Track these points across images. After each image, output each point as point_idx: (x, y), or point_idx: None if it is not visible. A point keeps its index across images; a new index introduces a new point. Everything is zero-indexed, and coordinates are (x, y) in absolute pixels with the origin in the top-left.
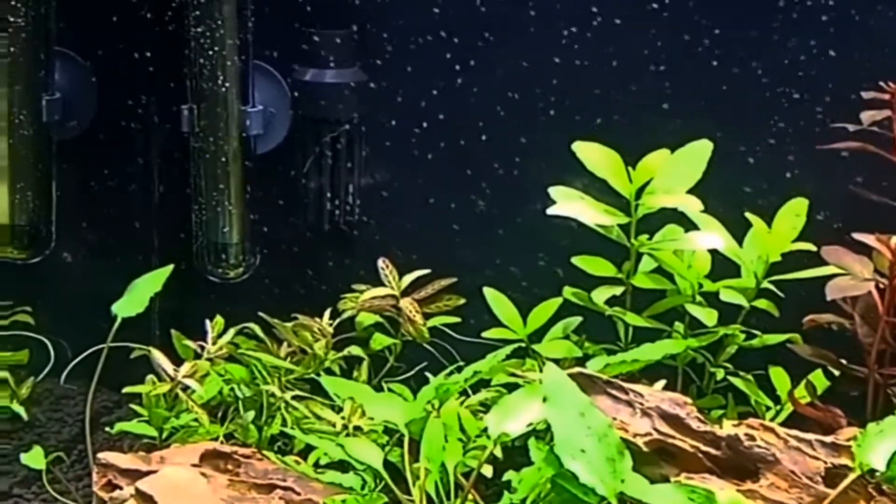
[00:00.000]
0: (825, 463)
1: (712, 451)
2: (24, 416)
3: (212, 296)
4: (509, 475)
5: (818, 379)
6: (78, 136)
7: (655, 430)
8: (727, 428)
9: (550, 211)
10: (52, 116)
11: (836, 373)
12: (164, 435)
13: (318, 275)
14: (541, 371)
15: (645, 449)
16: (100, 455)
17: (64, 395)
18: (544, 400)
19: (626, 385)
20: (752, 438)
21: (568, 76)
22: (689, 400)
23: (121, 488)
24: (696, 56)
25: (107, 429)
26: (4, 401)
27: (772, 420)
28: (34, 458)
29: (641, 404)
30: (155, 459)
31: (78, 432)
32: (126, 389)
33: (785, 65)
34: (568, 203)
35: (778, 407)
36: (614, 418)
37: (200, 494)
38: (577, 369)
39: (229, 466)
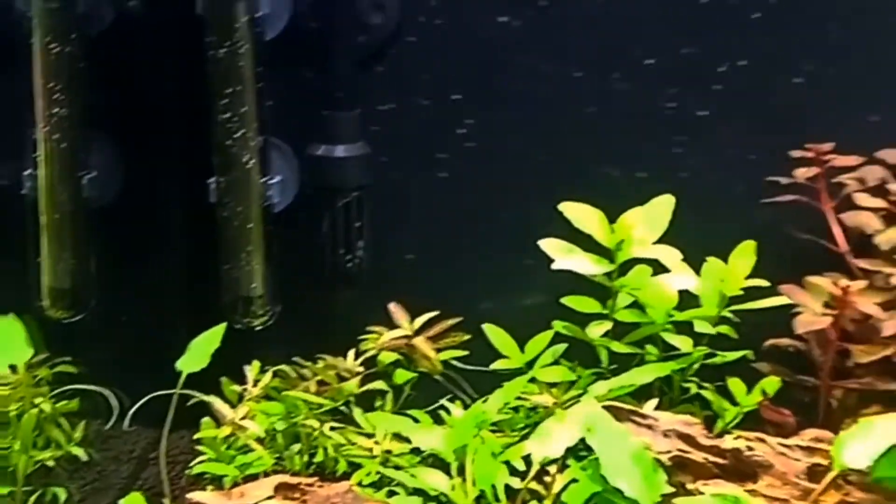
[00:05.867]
0: (805, 463)
1: (719, 460)
2: (84, 457)
3: (235, 343)
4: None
5: (769, 385)
6: (111, 208)
7: (674, 447)
8: (729, 441)
9: (555, 266)
10: (90, 192)
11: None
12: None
13: (332, 320)
14: (540, 394)
15: (668, 463)
16: (189, 495)
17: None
18: (587, 430)
19: (644, 412)
20: (750, 448)
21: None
22: (697, 420)
23: None
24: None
25: (186, 470)
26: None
27: (730, 421)
28: (133, 501)
29: (660, 427)
30: (236, 495)
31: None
32: (198, 435)
33: None
34: (565, 256)
35: (736, 409)
36: (642, 440)
37: None
38: (606, 402)
39: (297, 495)
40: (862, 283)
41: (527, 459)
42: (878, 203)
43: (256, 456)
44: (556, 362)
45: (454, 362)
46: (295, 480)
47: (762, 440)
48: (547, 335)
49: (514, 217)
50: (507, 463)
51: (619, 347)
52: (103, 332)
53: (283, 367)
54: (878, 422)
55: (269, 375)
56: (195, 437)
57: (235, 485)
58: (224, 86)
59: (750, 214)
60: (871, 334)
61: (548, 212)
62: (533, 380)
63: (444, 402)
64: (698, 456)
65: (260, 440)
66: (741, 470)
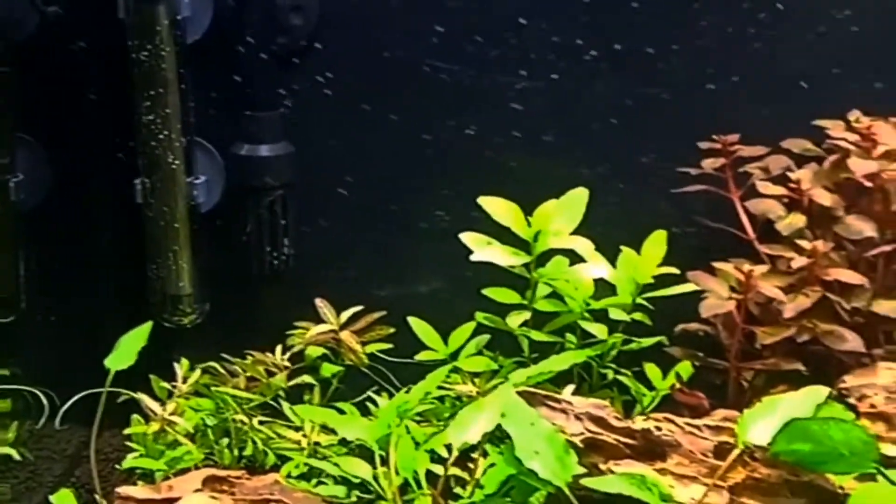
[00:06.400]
0: (713, 442)
1: (630, 441)
2: (16, 456)
3: (165, 340)
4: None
5: (684, 369)
6: (39, 209)
7: (586, 429)
8: (639, 422)
9: (474, 257)
10: (18, 196)
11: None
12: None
13: (261, 316)
14: (464, 384)
15: (580, 445)
16: (118, 489)
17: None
18: (502, 415)
19: (558, 396)
20: (658, 429)
21: (461, 138)
22: (608, 403)
23: None
24: None
25: (116, 466)
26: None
27: (648, 405)
28: (63, 499)
29: (573, 411)
30: (164, 488)
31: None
32: (127, 430)
33: None
34: (483, 249)
35: (653, 394)
36: (554, 423)
37: None
38: (522, 388)
39: (225, 488)
40: (764, 268)
41: (450, 447)
42: (780, 191)
43: (185, 450)
44: (479, 352)
45: (380, 355)
46: (223, 473)
47: (671, 420)
48: (469, 326)
49: (439, 211)
50: (432, 451)
51: (539, 336)
52: (34, 332)
53: (213, 363)
54: (778, 400)
55: (198, 372)
56: (125, 433)
57: (167, 478)
58: (147, 88)
59: (662, 204)
60: (775, 317)
61: (472, 206)
62: (457, 370)
63: (370, 393)
64: (610, 437)
65: (190, 435)
66: (651, 450)
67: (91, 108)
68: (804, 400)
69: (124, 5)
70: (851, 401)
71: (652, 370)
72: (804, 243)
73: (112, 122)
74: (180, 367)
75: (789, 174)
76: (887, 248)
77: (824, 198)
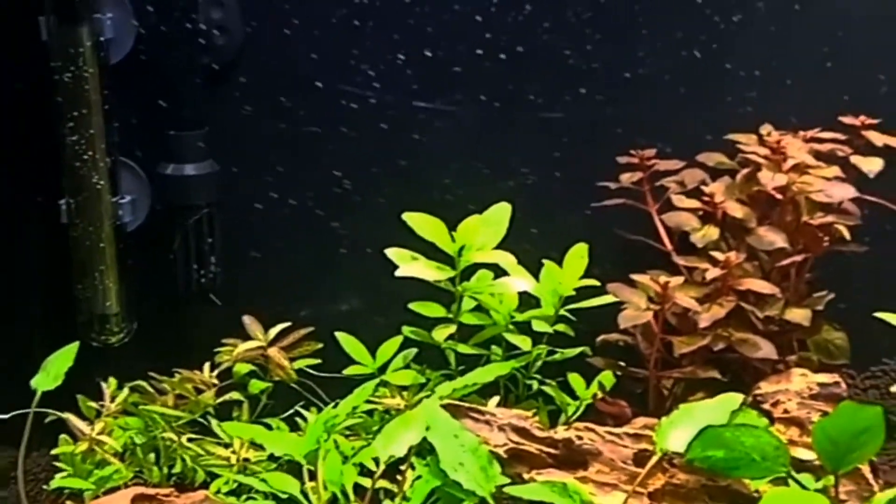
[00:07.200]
0: (633, 449)
1: (552, 450)
2: None
3: (92, 360)
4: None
5: (606, 379)
6: None
7: (510, 440)
8: (561, 432)
9: (399, 273)
10: None
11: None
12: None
13: (189, 335)
14: (392, 397)
15: (504, 456)
16: None
17: None
18: (427, 428)
19: (482, 408)
20: (580, 438)
21: (383, 155)
22: (530, 414)
23: None
24: None
25: (44, 486)
26: None
27: (572, 415)
28: None
29: (497, 422)
30: None
31: None
32: (55, 451)
33: None
34: (408, 264)
35: (577, 403)
36: (479, 435)
37: None
38: (447, 401)
39: None
40: (680, 279)
41: (378, 460)
42: (695, 204)
43: (114, 469)
44: (406, 366)
45: (309, 370)
46: (152, 491)
47: (592, 430)
48: (396, 340)
49: (364, 228)
50: (361, 465)
51: (465, 349)
52: None
53: (141, 382)
54: (695, 407)
55: (126, 391)
56: (53, 453)
57: (96, 497)
58: (71, 109)
59: (584, 218)
60: (692, 326)
61: (396, 222)
62: (385, 384)
63: (299, 408)
64: (532, 447)
65: (118, 454)
66: (573, 458)
67: (15, 130)
68: (719, 407)
69: (47, 27)
70: (766, 407)
71: (576, 380)
72: (718, 255)
73: (39, 143)
74: (108, 387)
75: (703, 188)
76: (798, 258)
77: (737, 210)
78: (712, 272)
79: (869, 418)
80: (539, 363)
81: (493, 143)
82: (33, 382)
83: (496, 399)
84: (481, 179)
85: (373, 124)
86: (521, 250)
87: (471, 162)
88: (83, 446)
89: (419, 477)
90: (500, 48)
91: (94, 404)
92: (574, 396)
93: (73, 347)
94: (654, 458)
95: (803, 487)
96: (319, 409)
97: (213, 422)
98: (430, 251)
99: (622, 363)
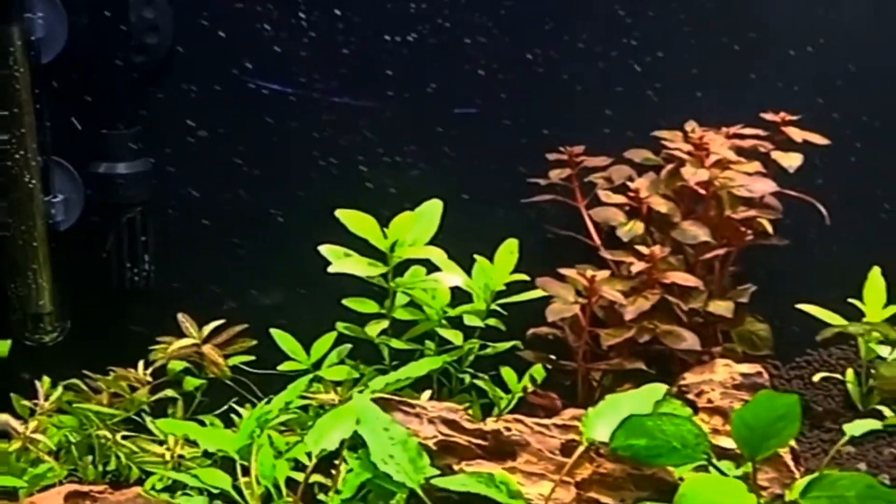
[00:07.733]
0: (560, 440)
1: (482, 442)
2: None
3: (26, 359)
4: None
5: (537, 372)
6: None
7: (440, 432)
8: (490, 424)
9: (332, 269)
10: None
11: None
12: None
13: (123, 333)
14: (327, 393)
15: (434, 448)
16: None
17: None
18: (357, 422)
19: (412, 402)
20: (508, 429)
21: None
22: (460, 407)
23: None
24: None
25: None
26: None
27: (505, 407)
28: None
29: (427, 415)
30: None
31: None
32: None
33: None
34: (341, 260)
35: (509, 396)
36: (409, 428)
37: None
38: (378, 394)
39: (88, 503)
40: (607, 273)
41: (311, 455)
42: (621, 199)
43: (48, 467)
44: (341, 362)
45: (243, 367)
46: (85, 488)
47: (521, 421)
48: (329, 337)
49: (299, 225)
50: (295, 460)
51: (398, 344)
52: None
53: (75, 380)
54: (620, 398)
55: (60, 389)
56: None
57: (30, 496)
58: (1, 108)
59: (515, 214)
60: (618, 319)
61: (330, 219)
62: (320, 379)
63: (233, 405)
64: (462, 439)
65: (53, 453)
66: (502, 449)
67: None
68: (643, 397)
69: None
70: (691, 397)
71: (508, 373)
72: (643, 249)
73: None
74: (42, 385)
75: (629, 183)
76: (721, 251)
77: (661, 205)
78: (637, 266)
79: (785, 406)
80: (471, 357)
81: (423, 139)
82: None
83: (428, 393)
84: (414, 176)
85: (305, 121)
86: (453, 246)
87: (404, 159)
88: (17, 444)
89: (351, 470)
90: (425, 44)
91: (27, 403)
92: (506, 390)
93: (5, 345)
94: (581, 448)
95: (723, 474)
96: (254, 406)
97: (148, 419)
98: (365, 248)
99: (552, 356)
